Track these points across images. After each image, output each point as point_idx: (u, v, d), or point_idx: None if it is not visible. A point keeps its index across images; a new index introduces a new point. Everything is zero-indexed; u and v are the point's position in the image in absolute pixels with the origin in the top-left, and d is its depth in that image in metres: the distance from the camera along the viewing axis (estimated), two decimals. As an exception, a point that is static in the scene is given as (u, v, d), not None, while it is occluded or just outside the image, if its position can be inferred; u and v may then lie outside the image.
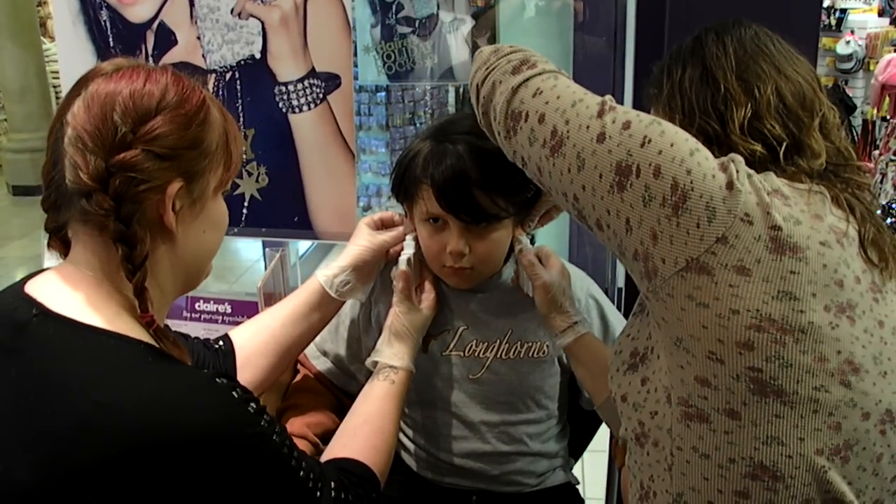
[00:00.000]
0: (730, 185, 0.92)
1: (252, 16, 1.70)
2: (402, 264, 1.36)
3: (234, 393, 0.89)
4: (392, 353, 1.31)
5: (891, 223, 2.03)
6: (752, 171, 0.95)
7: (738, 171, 0.93)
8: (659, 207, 0.93)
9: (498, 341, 1.40)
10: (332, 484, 1.00)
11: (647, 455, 1.04)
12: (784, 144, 1.00)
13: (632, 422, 1.06)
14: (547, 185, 1.07)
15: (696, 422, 0.96)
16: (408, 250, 1.37)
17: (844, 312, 0.93)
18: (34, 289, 0.93)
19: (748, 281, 0.91)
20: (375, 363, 1.31)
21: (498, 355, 1.40)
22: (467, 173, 1.25)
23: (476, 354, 1.40)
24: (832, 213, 0.98)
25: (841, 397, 0.93)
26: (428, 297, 1.36)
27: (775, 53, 1.04)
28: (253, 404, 0.91)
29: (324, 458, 1.13)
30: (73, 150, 0.89)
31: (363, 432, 1.19)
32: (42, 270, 0.98)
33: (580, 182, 1.00)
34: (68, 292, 0.91)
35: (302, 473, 0.95)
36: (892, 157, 3.90)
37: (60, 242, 0.96)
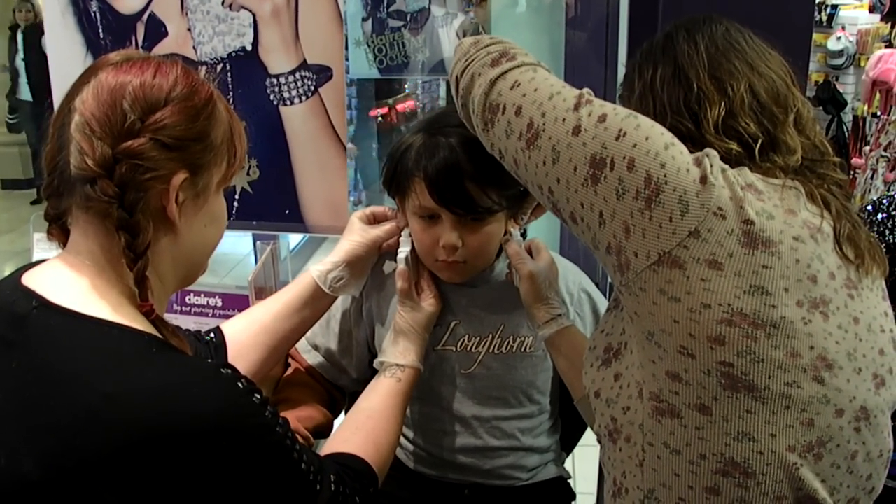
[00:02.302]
0: (703, 179, 0.91)
1: (243, 7, 1.69)
2: (401, 263, 1.35)
3: (239, 383, 0.89)
4: (397, 352, 1.31)
5: (882, 219, 2.03)
6: (725, 166, 0.94)
7: (712, 166, 0.93)
8: (632, 200, 0.92)
9: (490, 336, 1.40)
10: (332, 478, 1.00)
11: (620, 451, 1.03)
12: (759, 142, 0.99)
13: (605, 417, 1.05)
14: (523, 177, 1.06)
15: (667, 417, 0.96)
16: (405, 248, 1.36)
17: (818, 308, 0.93)
18: (32, 280, 0.92)
19: (720, 275, 0.90)
20: (382, 363, 1.31)
21: (490, 350, 1.40)
22: (460, 166, 1.24)
23: (468, 349, 1.40)
24: (806, 208, 0.97)
25: (814, 394, 0.92)
26: (429, 294, 1.36)
27: (747, 49, 1.04)
28: (257, 395, 0.91)
29: (324, 451, 1.13)
30: (79, 136, 0.89)
31: (365, 428, 1.19)
32: (38, 262, 0.97)
33: (555, 175, 0.99)
34: (68, 283, 0.91)
35: (303, 466, 0.95)
36: (883, 153, 3.91)
37: (60, 231, 0.96)
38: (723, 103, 1.00)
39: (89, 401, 0.82)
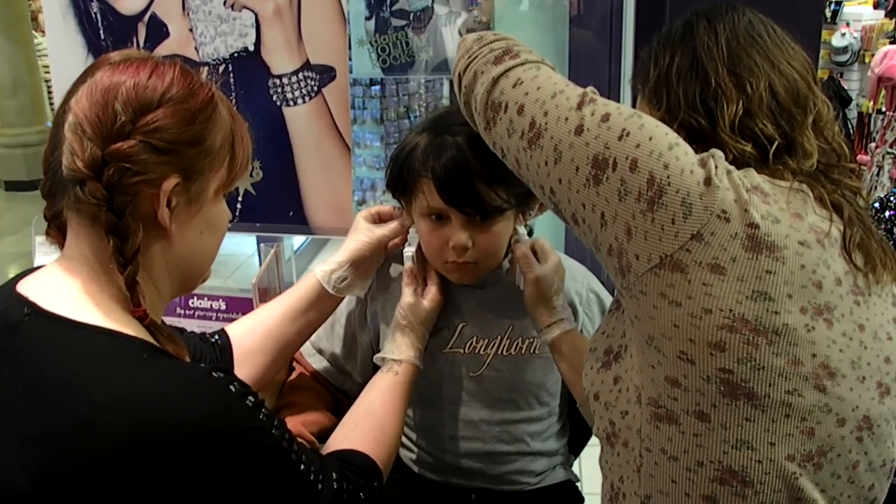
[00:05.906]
0: (707, 181, 0.89)
1: (245, 7, 1.68)
2: (408, 261, 1.34)
3: (231, 387, 0.88)
4: (394, 348, 1.30)
5: (890, 216, 2.01)
6: (731, 168, 0.92)
7: (716, 167, 0.90)
8: (634, 202, 0.90)
9: (499, 338, 1.38)
10: (334, 475, 0.99)
11: (618, 455, 1.02)
12: (775, 144, 0.97)
13: (603, 421, 1.04)
14: (525, 177, 1.04)
15: (665, 423, 0.94)
16: (411, 247, 1.35)
17: (822, 315, 0.91)
18: (26, 288, 0.91)
19: (722, 280, 0.88)
20: (382, 360, 1.30)
21: (499, 352, 1.38)
22: (468, 165, 1.23)
23: (476, 351, 1.38)
24: (814, 212, 0.95)
25: (815, 402, 0.90)
26: (430, 289, 1.35)
27: (769, 44, 1.01)
28: (251, 398, 0.89)
29: (325, 450, 1.12)
30: (71, 136, 0.87)
31: (364, 424, 1.18)
32: (34, 269, 0.96)
33: (557, 175, 0.97)
34: (61, 289, 0.89)
35: (303, 467, 0.94)
36: (889, 150, 3.89)
37: (57, 232, 0.95)
38: (741, 102, 0.97)
39: (78, 409, 0.81)
